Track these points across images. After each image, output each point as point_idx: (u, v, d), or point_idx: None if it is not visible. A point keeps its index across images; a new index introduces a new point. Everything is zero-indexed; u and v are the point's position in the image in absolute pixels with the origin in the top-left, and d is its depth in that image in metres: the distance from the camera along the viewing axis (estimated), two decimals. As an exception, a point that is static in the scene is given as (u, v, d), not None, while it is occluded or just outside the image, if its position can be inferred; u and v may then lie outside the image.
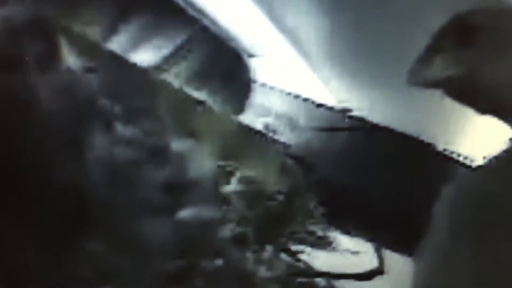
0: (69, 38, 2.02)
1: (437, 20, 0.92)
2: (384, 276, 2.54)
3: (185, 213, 2.15)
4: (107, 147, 2.03)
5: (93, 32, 2.30)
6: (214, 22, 2.65)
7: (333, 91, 2.81)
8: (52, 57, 1.89)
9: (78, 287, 1.69)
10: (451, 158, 2.65)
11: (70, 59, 2.01)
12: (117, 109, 2.17)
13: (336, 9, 2.37)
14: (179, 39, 2.61)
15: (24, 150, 1.68)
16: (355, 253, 2.56)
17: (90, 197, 1.84)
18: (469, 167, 2.59)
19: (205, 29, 2.65)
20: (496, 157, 0.99)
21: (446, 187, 0.96)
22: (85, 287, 1.69)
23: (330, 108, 2.86)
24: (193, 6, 2.55)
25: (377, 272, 2.55)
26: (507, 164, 0.93)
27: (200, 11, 2.59)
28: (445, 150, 2.66)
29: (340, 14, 2.38)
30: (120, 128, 2.15)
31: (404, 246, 2.45)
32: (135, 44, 2.50)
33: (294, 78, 2.91)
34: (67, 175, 1.79)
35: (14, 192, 1.64)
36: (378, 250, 2.65)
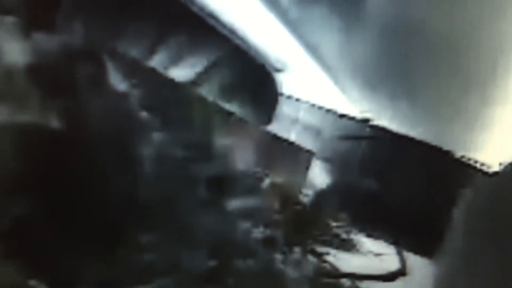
0: (114, 59, 2.08)
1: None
2: (407, 277, 2.62)
3: (232, 205, 2.28)
4: (152, 155, 2.26)
5: (136, 52, 2.52)
6: (244, 40, 2.92)
7: (354, 102, 2.99)
8: (99, 76, 1.97)
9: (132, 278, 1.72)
10: (469, 165, 2.79)
11: (115, 77, 2.17)
12: (157, 119, 2.40)
13: (355, 26, 2.57)
14: (212, 57, 2.82)
15: (77, 165, 1.75)
16: (378, 255, 2.69)
17: (142, 196, 2.01)
18: (486, 173, 2.71)
19: (236, 47, 2.91)
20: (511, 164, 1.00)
21: (464, 192, 0.96)
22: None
23: (352, 118, 3.03)
24: (225, 26, 2.72)
25: (400, 273, 2.66)
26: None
27: (231, 31, 2.87)
28: (462, 157, 2.81)
29: (360, 31, 2.59)
30: (159, 137, 2.39)
31: (425, 249, 2.68)
32: (173, 61, 2.71)
33: (317, 90, 3.11)
34: (119, 181, 1.96)
35: (70, 205, 1.73)
36: (400, 253, 2.80)
